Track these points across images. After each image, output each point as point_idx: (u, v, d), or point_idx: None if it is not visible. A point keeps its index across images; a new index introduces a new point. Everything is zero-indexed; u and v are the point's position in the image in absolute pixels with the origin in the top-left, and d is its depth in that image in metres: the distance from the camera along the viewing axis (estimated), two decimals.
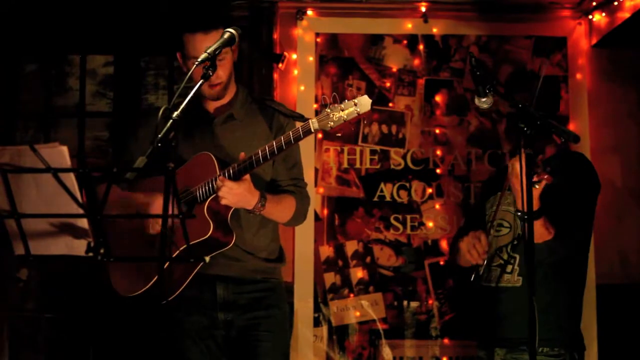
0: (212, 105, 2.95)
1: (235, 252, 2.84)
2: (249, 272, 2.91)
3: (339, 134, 4.35)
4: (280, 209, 2.87)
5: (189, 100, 2.36)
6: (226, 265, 2.86)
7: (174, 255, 2.62)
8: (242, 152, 2.71)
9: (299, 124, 2.69)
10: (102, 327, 4.23)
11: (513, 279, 2.93)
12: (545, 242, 2.74)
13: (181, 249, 2.63)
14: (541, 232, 2.72)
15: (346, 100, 2.47)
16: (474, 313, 3.08)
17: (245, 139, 2.88)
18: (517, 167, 2.61)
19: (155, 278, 2.69)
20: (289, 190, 2.93)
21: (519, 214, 2.73)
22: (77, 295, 4.43)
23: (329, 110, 2.48)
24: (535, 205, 2.59)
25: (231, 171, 2.65)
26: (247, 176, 2.65)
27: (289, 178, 2.95)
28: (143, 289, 2.74)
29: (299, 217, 2.96)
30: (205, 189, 2.71)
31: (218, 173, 2.69)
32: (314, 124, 2.51)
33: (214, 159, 2.73)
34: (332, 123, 2.48)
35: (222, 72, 2.85)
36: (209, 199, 2.70)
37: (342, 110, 2.46)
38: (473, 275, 2.96)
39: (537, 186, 2.50)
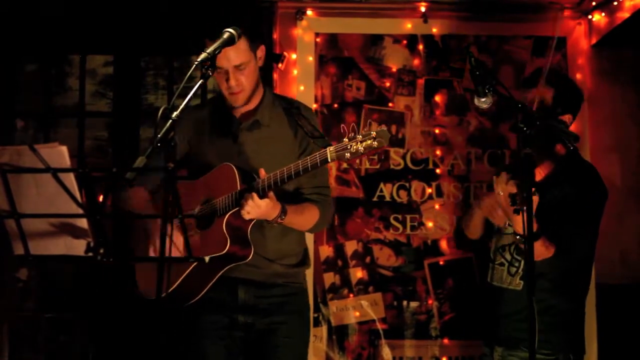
0: (237, 110, 2.93)
1: (257, 260, 2.82)
2: (271, 277, 2.90)
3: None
4: (302, 219, 2.86)
5: (187, 101, 2.36)
6: (248, 271, 2.85)
7: (192, 266, 2.63)
8: (264, 161, 2.71)
9: None
10: (105, 327, 4.23)
11: (515, 282, 2.93)
12: (546, 259, 2.75)
13: (208, 257, 2.63)
14: (541, 251, 2.72)
15: (366, 132, 2.44)
16: (477, 311, 3.09)
17: (270, 145, 2.86)
18: (499, 191, 2.62)
19: (180, 280, 2.69)
20: (312, 200, 2.91)
21: (518, 237, 2.73)
22: (77, 296, 4.44)
23: (347, 140, 2.46)
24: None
25: (257, 189, 2.64)
26: (272, 194, 2.65)
27: (312, 187, 2.92)
28: (167, 292, 2.72)
29: (320, 225, 2.95)
30: (226, 203, 2.70)
31: (239, 187, 2.68)
32: (331, 153, 2.49)
33: (235, 171, 2.71)
34: (348, 155, 2.46)
35: (244, 81, 2.83)
36: (228, 214, 2.68)
37: (360, 143, 2.43)
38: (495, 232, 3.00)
39: (519, 214, 2.49)
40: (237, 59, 2.77)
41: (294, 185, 2.90)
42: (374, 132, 2.42)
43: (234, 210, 2.67)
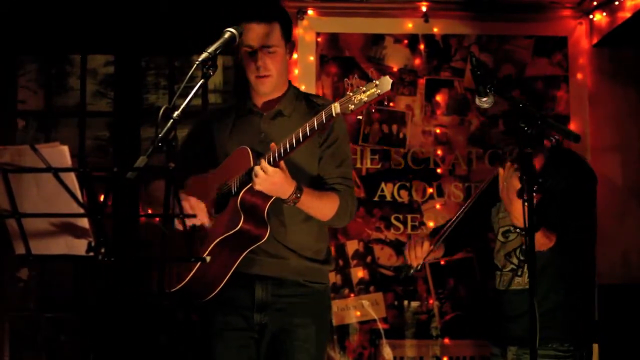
0: (260, 100, 2.91)
1: (277, 248, 2.78)
2: (291, 273, 2.81)
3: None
4: (321, 205, 2.77)
5: (188, 101, 2.35)
6: (267, 264, 2.78)
7: (208, 250, 2.59)
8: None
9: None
10: (105, 327, 4.24)
11: (523, 282, 2.95)
12: (550, 249, 2.76)
13: (215, 242, 2.61)
14: (542, 242, 2.74)
15: (369, 82, 2.43)
16: (484, 314, 3.10)
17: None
18: (510, 181, 2.63)
19: (191, 274, 2.64)
20: (334, 188, 2.83)
21: (517, 230, 2.75)
22: (77, 296, 4.44)
23: (351, 94, 2.44)
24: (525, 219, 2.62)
25: (268, 159, 2.59)
26: (283, 164, 2.59)
27: (336, 176, 2.86)
28: (178, 286, 2.68)
29: (342, 216, 2.84)
30: (240, 180, 2.66)
31: (252, 165, 2.63)
32: (335, 108, 2.46)
33: (249, 152, 2.68)
34: (352, 106, 2.42)
35: (272, 65, 2.81)
36: (243, 191, 2.64)
37: (363, 93, 2.41)
38: (403, 273, 3.09)
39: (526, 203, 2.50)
40: (266, 39, 2.78)
41: (316, 171, 2.85)
42: (376, 81, 2.41)
43: (248, 187, 2.63)
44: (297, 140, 2.55)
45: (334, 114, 2.47)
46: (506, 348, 3.00)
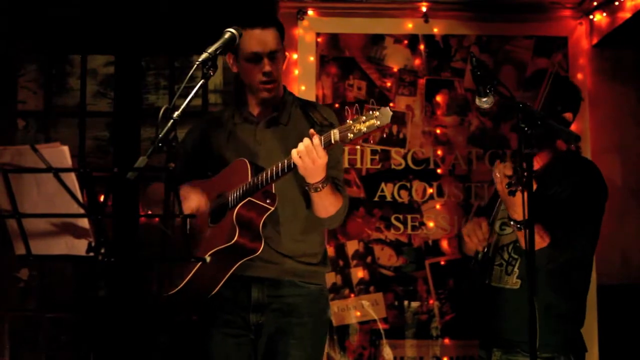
0: (256, 108, 2.92)
1: (272, 255, 2.79)
2: (287, 274, 2.84)
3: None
4: (331, 200, 2.77)
5: (188, 101, 2.35)
6: (263, 268, 2.80)
7: (208, 255, 2.58)
8: (282, 159, 2.63)
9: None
10: (106, 327, 4.24)
11: (512, 281, 2.92)
12: (542, 250, 2.73)
13: (214, 249, 2.63)
14: (535, 239, 2.71)
15: (369, 112, 2.43)
16: (474, 312, 3.07)
17: (288, 142, 2.78)
18: (496, 175, 2.63)
19: (190, 276, 2.67)
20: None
21: (512, 222, 2.73)
22: (78, 296, 4.45)
23: (350, 122, 2.45)
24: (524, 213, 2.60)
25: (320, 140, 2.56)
26: (325, 153, 2.57)
27: (330, 177, 2.83)
28: (177, 288, 2.71)
29: (339, 217, 2.85)
30: (237, 195, 2.68)
31: (249, 180, 2.66)
32: (334, 135, 2.48)
33: (248, 165, 2.70)
34: (351, 135, 2.43)
35: (276, 71, 2.83)
36: (239, 206, 2.66)
37: (363, 123, 2.42)
38: (473, 261, 2.99)
39: (514, 195, 2.49)
40: (272, 44, 2.79)
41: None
42: (377, 112, 2.40)
43: (244, 202, 2.65)
44: (289, 167, 2.58)
45: (332, 142, 2.49)
46: (491, 351, 2.96)
